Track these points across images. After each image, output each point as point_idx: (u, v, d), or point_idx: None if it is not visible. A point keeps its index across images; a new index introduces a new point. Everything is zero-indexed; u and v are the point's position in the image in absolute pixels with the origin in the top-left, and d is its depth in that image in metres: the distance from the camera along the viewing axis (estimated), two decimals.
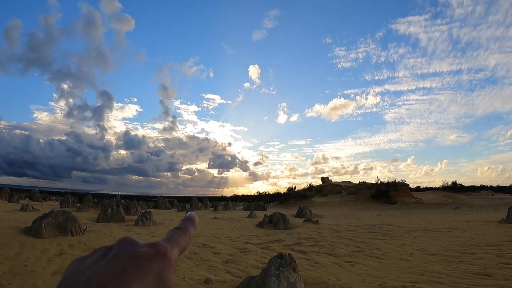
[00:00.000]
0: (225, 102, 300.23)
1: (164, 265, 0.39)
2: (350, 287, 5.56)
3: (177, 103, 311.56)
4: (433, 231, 12.69)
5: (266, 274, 4.92)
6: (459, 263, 7.31)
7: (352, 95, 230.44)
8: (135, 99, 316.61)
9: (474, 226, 13.82)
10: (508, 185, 52.99)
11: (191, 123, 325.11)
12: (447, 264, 7.25)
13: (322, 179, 52.84)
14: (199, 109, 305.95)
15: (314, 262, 7.85)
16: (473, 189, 47.97)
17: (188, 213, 0.53)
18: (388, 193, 34.73)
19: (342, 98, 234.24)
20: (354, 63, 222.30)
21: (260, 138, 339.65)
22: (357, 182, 47.34)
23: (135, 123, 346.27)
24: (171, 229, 0.48)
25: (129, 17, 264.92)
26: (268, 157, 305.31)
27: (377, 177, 38.89)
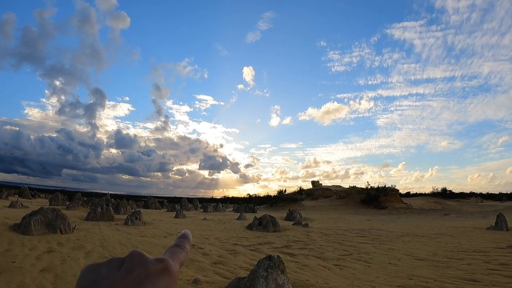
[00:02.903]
0: (217, 103, 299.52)
1: (170, 280, 0.43)
2: None
3: (169, 103, 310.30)
4: (422, 237, 12.75)
5: (254, 276, 4.89)
6: (446, 268, 7.34)
7: (345, 99, 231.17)
8: (127, 98, 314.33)
9: (463, 232, 13.92)
10: (497, 192, 53.81)
11: (182, 123, 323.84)
12: (435, 269, 7.28)
13: (313, 183, 52.97)
14: (191, 109, 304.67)
15: (302, 264, 7.84)
16: (462, 195, 48.33)
17: (184, 231, 0.59)
18: (378, 198, 34.87)
19: (335, 102, 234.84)
20: (348, 67, 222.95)
21: (252, 140, 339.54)
22: (347, 186, 47.54)
23: (127, 122, 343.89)
24: (170, 246, 0.53)
25: (125, 14, 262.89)
26: (259, 159, 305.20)
27: (367, 182, 39.04)
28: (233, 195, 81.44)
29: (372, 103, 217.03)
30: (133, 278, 0.40)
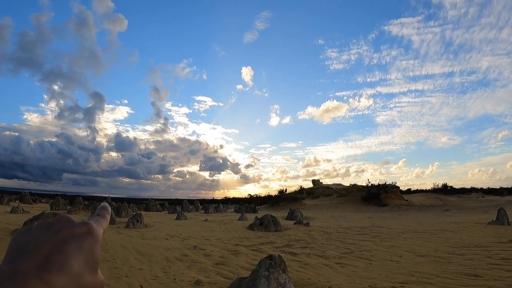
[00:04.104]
0: (216, 104, 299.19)
1: (94, 242, 0.47)
2: None
3: (168, 105, 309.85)
4: (423, 233, 12.75)
5: (256, 275, 4.89)
6: (448, 264, 7.34)
7: (345, 97, 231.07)
8: (126, 101, 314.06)
9: (464, 228, 13.92)
10: (498, 187, 53.81)
11: (182, 125, 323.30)
12: (437, 265, 7.29)
13: (313, 181, 52.94)
14: (191, 111, 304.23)
15: (304, 263, 7.84)
16: (463, 191, 48.37)
17: (102, 203, 0.61)
18: (378, 196, 34.89)
19: (335, 101, 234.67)
20: (346, 65, 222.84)
21: (252, 140, 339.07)
22: (348, 184, 47.51)
23: (126, 125, 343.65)
24: (92, 215, 0.56)
25: (122, 17, 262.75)
26: (260, 159, 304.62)
27: (368, 179, 39.10)
28: (234, 196, 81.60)
29: (371, 101, 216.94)
30: (60, 237, 0.44)
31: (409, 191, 53.30)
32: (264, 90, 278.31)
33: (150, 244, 9.75)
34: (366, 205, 34.21)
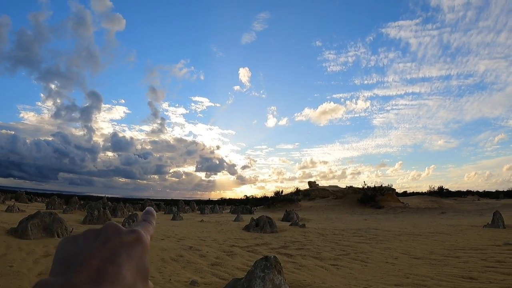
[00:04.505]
0: (213, 105, 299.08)
1: (143, 250, 0.45)
2: None
3: (165, 105, 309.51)
4: (419, 235, 12.78)
5: (251, 276, 4.87)
6: (443, 267, 7.36)
7: (342, 99, 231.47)
8: (123, 101, 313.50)
9: (460, 231, 13.96)
10: (494, 190, 53.86)
11: (179, 125, 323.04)
12: (432, 268, 7.30)
13: (309, 183, 53.03)
14: (187, 111, 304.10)
15: (300, 265, 7.83)
16: (459, 194, 48.51)
17: (147, 207, 0.59)
18: (374, 198, 34.95)
19: (331, 103, 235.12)
20: (344, 67, 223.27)
21: (248, 141, 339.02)
22: (344, 186, 47.67)
23: (123, 125, 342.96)
24: (139, 220, 0.53)
25: (120, 16, 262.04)
26: (256, 160, 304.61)
27: (364, 181, 39.16)
28: (230, 197, 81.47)
29: (368, 103, 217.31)
30: (110, 247, 0.42)
31: (405, 194, 53.46)
32: (261, 91, 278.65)
33: None
34: (362, 207, 34.26)
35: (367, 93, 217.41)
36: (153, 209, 0.57)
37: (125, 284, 0.40)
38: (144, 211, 0.57)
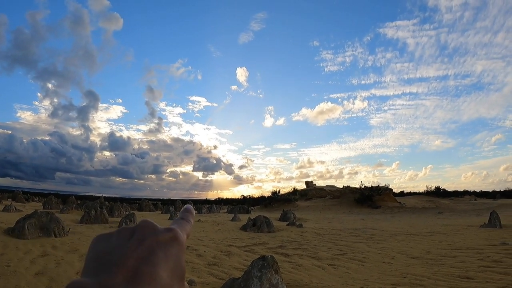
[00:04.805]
0: (210, 104, 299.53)
1: (180, 249, 0.43)
2: None
3: (162, 104, 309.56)
4: (416, 235, 12.79)
5: (248, 276, 4.86)
6: (440, 266, 7.36)
7: (339, 99, 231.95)
8: (120, 100, 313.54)
9: (456, 230, 13.98)
10: (491, 190, 54.08)
11: (176, 125, 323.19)
12: (429, 267, 7.30)
13: (307, 183, 53.07)
14: (185, 111, 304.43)
15: (297, 264, 7.82)
16: (456, 194, 48.62)
17: (186, 205, 0.58)
18: (372, 198, 35.00)
19: (329, 102, 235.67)
20: (341, 66, 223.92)
21: (246, 141, 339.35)
22: (341, 186, 47.67)
23: (120, 124, 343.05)
24: (176, 218, 0.52)
25: (117, 15, 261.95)
26: (253, 160, 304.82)
27: (361, 181, 39.23)
28: (227, 197, 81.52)
29: (365, 103, 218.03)
30: (146, 247, 0.40)
31: (402, 194, 53.66)
32: (258, 91, 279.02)
33: None
34: (359, 207, 34.31)
35: (365, 93, 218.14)
36: (192, 207, 0.56)
37: (162, 285, 0.38)
38: (182, 209, 0.56)
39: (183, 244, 0.44)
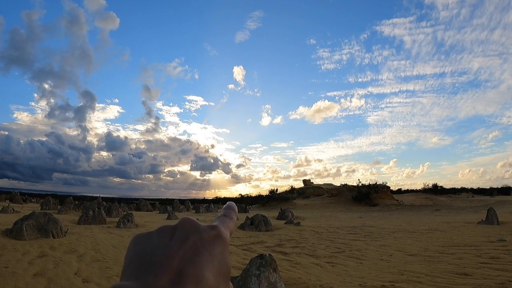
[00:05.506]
0: (208, 103, 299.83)
1: (224, 247, 0.41)
2: (330, 287, 5.55)
3: (159, 104, 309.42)
4: (414, 232, 12.83)
5: (247, 274, 4.86)
6: (438, 263, 7.38)
7: (336, 97, 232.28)
8: (117, 100, 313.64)
9: (454, 227, 14.03)
10: (488, 187, 54.43)
11: (173, 124, 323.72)
12: (427, 264, 7.31)
13: (304, 181, 53.13)
14: (181, 110, 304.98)
15: (295, 263, 7.83)
16: (453, 191, 48.89)
17: (228, 202, 0.56)
18: (369, 196, 35.10)
19: (326, 101, 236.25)
20: (338, 64, 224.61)
21: (243, 140, 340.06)
22: (339, 184, 47.80)
23: (117, 124, 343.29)
24: (218, 215, 0.49)
25: (114, 15, 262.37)
26: (251, 159, 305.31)
27: (359, 179, 39.33)
28: (225, 196, 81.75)
29: (362, 101, 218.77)
30: (190, 246, 0.38)
31: (399, 191, 53.77)
32: (255, 89, 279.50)
33: None
34: (357, 205, 34.40)
35: (362, 91, 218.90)
36: (234, 204, 0.55)
37: (208, 286, 0.36)
38: (225, 205, 0.54)
39: (227, 242, 0.42)
